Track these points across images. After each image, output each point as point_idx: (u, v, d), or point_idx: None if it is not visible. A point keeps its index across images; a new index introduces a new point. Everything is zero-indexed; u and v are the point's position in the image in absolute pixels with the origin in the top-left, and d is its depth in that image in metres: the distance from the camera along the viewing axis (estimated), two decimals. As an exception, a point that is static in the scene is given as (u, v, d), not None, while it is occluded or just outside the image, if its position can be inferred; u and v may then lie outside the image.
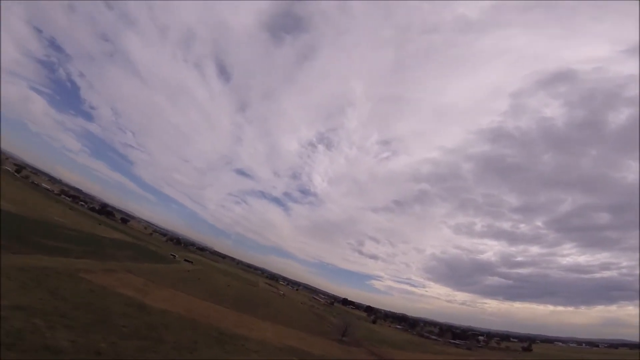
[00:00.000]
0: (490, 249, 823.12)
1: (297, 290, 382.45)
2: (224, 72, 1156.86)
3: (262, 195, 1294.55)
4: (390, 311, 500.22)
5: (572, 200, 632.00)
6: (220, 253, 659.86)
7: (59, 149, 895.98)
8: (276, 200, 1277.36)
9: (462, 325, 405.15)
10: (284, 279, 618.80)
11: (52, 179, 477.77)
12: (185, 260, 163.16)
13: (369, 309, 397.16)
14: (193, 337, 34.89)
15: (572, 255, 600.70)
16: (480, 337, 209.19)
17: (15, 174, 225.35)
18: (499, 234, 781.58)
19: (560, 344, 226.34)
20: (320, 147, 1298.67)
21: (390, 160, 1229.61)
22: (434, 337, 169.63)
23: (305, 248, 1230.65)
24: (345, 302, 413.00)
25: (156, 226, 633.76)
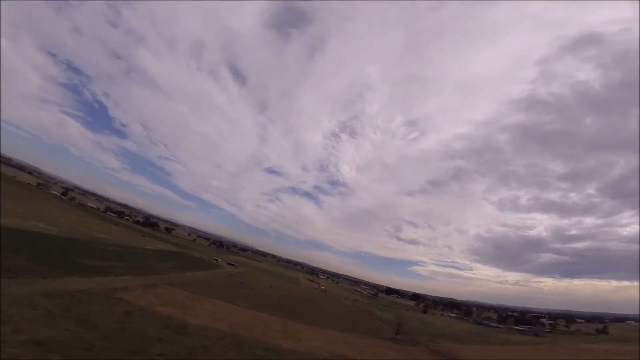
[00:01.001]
0: (540, 224, 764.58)
1: (337, 283, 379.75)
2: (238, 76, 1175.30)
3: (294, 191, 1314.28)
4: (437, 297, 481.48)
5: (625, 162, 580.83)
6: (262, 252, 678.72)
7: (102, 169, 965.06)
8: (307, 195, 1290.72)
9: (517, 307, 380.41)
10: (324, 272, 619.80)
11: (100, 198, 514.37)
12: (228, 263, 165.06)
13: (416, 297, 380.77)
14: (237, 360, 31.20)
15: (633, 225, 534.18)
16: (544, 320, 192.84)
17: (62, 197, 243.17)
18: (547, 206, 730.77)
19: (633, 322, 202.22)
20: (344, 136, 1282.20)
21: (419, 140, 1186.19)
22: (493, 324, 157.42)
23: (341, 239, 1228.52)
24: (390, 291, 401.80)
25: (199, 231, 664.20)
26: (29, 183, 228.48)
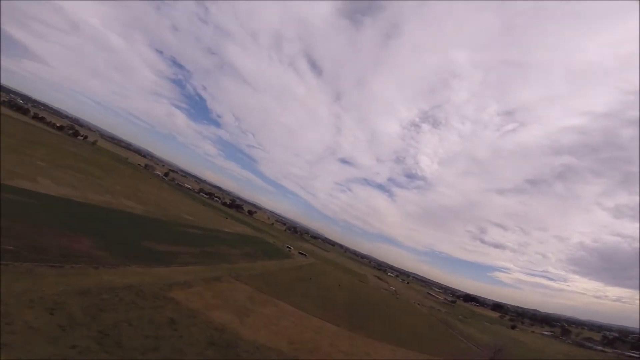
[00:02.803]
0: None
1: (407, 283, 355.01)
2: (315, 67, 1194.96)
3: (366, 182, 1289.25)
4: (519, 307, 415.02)
5: None
6: (330, 240, 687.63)
7: (202, 155, 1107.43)
8: (380, 187, 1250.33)
9: (613, 325, 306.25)
10: (391, 267, 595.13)
11: (198, 180, 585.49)
12: (300, 253, 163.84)
13: (498, 307, 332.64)
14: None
15: None
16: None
17: (164, 177, 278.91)
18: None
19: None
20: (425, 127, 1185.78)
21: (517, 132, 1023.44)
22: (598, 347, 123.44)
23: (414, 235, 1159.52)
24: (468, 298, 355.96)
25: (278, 215, 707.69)
26: (139, 164, 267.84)
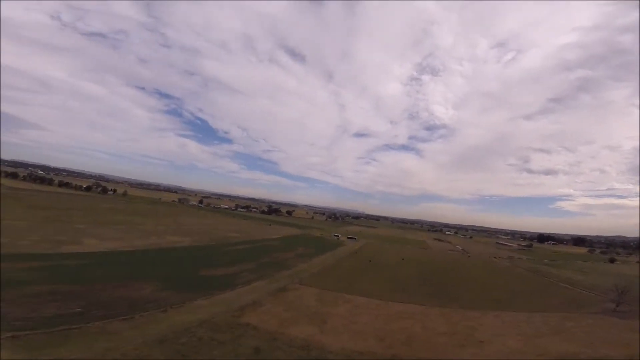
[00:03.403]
0: None
1: (470, 238, 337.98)
2: (296, 55, 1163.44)
3: (388, 147, 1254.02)
4: (601, 236, 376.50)
5: None
6: (373, 216, 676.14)
7: (226, 174, 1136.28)
8: (404, 147, 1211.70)
9: None
10: (445, 226, 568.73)
11: (231, 197, 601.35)
12: (348, 237, 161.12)
13: (580, 241, 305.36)
14: None
15: None
16: None
17: (199, 205, 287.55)
18: None
19: None
20: (426, 77, 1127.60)
21: (518, 59, 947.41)
22: None
23: (456, 186, 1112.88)
24: (542, 238, 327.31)
25: (314, 207, 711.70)
26: (173, 200, 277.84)
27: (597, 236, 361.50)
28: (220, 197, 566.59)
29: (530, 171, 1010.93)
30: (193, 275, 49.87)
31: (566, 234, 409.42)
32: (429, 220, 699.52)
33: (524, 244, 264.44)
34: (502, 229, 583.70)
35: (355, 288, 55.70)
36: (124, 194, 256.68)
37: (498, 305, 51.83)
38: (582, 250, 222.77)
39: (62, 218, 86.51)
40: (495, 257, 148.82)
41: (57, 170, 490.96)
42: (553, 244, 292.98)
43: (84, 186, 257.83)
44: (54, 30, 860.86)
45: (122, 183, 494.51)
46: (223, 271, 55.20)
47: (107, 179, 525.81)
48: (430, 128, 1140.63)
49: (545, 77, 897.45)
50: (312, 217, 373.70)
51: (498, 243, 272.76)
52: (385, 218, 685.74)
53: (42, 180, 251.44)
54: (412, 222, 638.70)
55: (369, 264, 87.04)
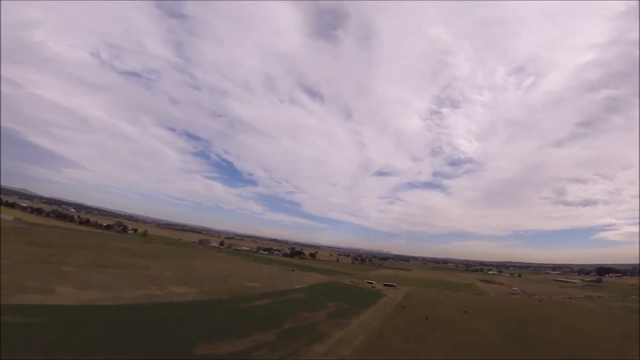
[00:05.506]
0: None
1: (519, 276, 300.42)
2: (314, 95, 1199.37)
3: (411, 185, 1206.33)
4: None
5: None
6: (402, 256, 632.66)
7: (250, 215, 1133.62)
8: (428, 185, 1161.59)
9: None
10: (481, 264, 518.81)
11: (255, 238, 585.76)
12: (385, 285, 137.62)
13: None
14: None
15: None
16: None
17: (220, 246, 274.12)
18: None
19: None
20: (446, 110, 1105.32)
21: (539, 84, 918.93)
22: None
23: (487, 222, 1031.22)
24: (602, 271, 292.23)
25: (338, 249, 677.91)
26: (193, 241, 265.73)
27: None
28: (243, 238, 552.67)
29: (566, 203, 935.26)
30: (183, 354, 32.53)
31: (623, 264, 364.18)
32: (461, 258, 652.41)
33: (588, 279, 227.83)
34: (542, 264, 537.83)
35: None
36: (144, 233, 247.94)
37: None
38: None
39: (55, 258, 73.51)
40: (569, 298, 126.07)
41: (90, 209, 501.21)
42: (616, 276, 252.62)
43: (104, 224, 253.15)
44: (94, 68, 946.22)
45: (149, 223, 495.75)
46: (230, 347, 37.33)
47: (137, 219, 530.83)
48: (454, 163, 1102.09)
49: (570, 99, 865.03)
50: (338, 260, 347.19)
51: (556, 280, 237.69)
52: (415, 258, 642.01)
53: (64, 217, 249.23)
54: (444, 262, 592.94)
55: (426, 322, 65.51)
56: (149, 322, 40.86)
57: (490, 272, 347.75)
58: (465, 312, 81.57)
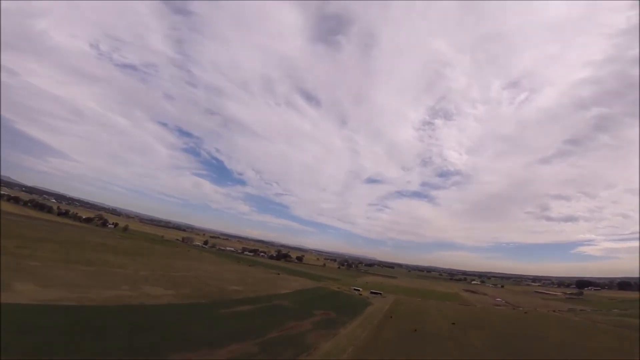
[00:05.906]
0: None
1: (502, 287, 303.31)
2: (311, 99, 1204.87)
3: (400, 194, 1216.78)
4: (629, 278, 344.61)
5: None
6: (387, 263, 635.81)
7: (237, 215, 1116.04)
8: (416, 194, 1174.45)
9: None
10: (463, 273, 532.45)
11: (241, 239, 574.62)
12: (372, 292, 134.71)
13: (625, 285, 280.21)
14: None
15: None
16: None
17: (203, 246, 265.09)
18: None
19: None
20: (439, 122, 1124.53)
21: (532, 99, 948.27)
22: None
23: (472, 233, 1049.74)
24: (581, 284, 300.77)
25: (325, 253, 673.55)
26: (176, 239, 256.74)
27: (628, 278, 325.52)
28: (228, 237, 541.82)
29: (549, 219, 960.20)
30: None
31: (600, 277, 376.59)
32: (444, 267, 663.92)
33: (569, 291, 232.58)
34: (522, 275, 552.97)
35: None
36: (125, 228, 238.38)
37: None
38: (635, 294, 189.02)
39: (21, 251, 67.59)
40: (554, 311, 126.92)
41: (72, 200, 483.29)
42: (595, 289, 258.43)
43: (84, 217, 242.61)
44: (91, 59, 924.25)
45: (132, 218, 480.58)
46: (205, 357, 33.39)
47: (119, 213, 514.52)
48: (443, 174, 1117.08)
49: (561, 116, 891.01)
50: (324, 265, 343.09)
51: (537, 292, 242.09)
52: (400, 265, 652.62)
53: (41, 208, 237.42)
54: (428, 270, 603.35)
55: (415, 334, 62.55)
56: (114, 327, 36.46)
57: (473, 282, 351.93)
58: (454, 323, 79.13)
